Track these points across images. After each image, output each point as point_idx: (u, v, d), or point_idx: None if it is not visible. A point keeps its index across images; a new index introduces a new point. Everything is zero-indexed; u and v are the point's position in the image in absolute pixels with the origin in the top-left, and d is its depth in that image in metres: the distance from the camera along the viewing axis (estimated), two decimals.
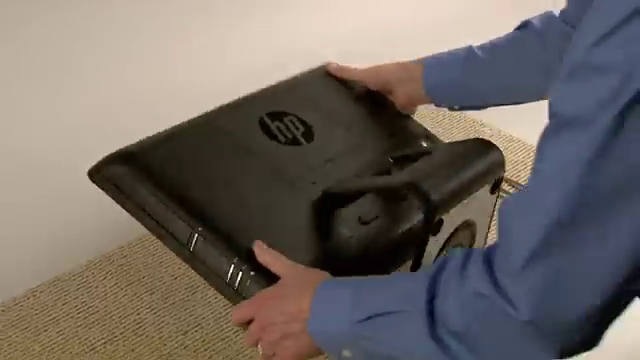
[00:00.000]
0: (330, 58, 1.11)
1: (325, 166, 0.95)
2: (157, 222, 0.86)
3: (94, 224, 1.19)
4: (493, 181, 0.93)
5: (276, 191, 0.90)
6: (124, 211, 1.21)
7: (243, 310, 0.80)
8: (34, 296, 1.07)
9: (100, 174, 0.88)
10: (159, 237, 0.86)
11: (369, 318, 0.72)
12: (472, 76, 1.01)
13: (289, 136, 0.98)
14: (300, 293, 0.77)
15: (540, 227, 0.63)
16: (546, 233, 0.63)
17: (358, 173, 0.95)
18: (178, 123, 0.95)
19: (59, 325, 1.03)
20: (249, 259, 0.83)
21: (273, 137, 0.96)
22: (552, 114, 0.63)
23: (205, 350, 0.99)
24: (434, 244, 0.86)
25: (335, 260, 0.88)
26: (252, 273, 0.82)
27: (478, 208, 0.90)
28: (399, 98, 1.06)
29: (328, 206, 0.91)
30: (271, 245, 0.83)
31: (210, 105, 0.94)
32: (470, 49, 1.02)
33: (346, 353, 0.75)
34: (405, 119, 1.08)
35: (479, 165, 0.92)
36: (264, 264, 0.82)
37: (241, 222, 0.86)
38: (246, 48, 1.53)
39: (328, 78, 1.11)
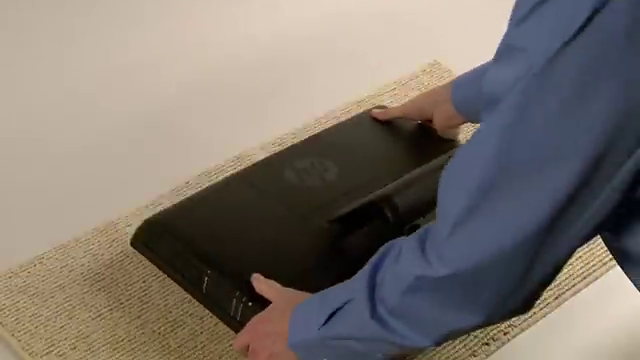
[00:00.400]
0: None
1: (340, 200, 1.03)
2: (180, 273, 1.01)
3: (99, 192, 1.19)
4: None
5: (285, 228, 1.01)
6: (127, 178, 1.23)
7: (240, 338, 0.90)
8: (40, 263, 1.07)
9: (138, 242, 1.06)
10: (182, 286, 1.01)
11: (329, 318, 0.79)
12: None
13: (312, 176, 1.07)
14: (283, 314, 0.85)
15: (463, 194, 0.68)
16: (469, 199, 0.68)
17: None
18: (208, 185, 1.12)
19: (65, 292, 1.04)
20: (248, 291, 0.94)
21: (296, 180, 1.07)
22: (484, 95, 0.68)
23: (211, 317, 1.00)
24: None
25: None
26: (250, 304, 0.93)
27: None
28: (437, 122, 1.12)
29: (332, 235, 1.00)
30: (276, 277, 0.94)
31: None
32: None
33: None
34: (446, 146, 1.10)
35: None
36: (260, 293, 0.92)
37: (247, 260, 0.98)
38: (248, 17, 1.53)
39: (369, 121, 1.18)
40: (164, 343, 0.97)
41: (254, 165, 1.14)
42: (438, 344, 0.77)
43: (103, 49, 1.45)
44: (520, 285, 0.70)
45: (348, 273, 0.96)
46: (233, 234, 1.03)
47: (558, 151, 0.64)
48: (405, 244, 0.75)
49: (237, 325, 0.95)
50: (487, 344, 0.97)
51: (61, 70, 1.41)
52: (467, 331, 0.79)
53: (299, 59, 1.44)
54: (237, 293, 0.95)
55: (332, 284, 0.95)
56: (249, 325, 0.90)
